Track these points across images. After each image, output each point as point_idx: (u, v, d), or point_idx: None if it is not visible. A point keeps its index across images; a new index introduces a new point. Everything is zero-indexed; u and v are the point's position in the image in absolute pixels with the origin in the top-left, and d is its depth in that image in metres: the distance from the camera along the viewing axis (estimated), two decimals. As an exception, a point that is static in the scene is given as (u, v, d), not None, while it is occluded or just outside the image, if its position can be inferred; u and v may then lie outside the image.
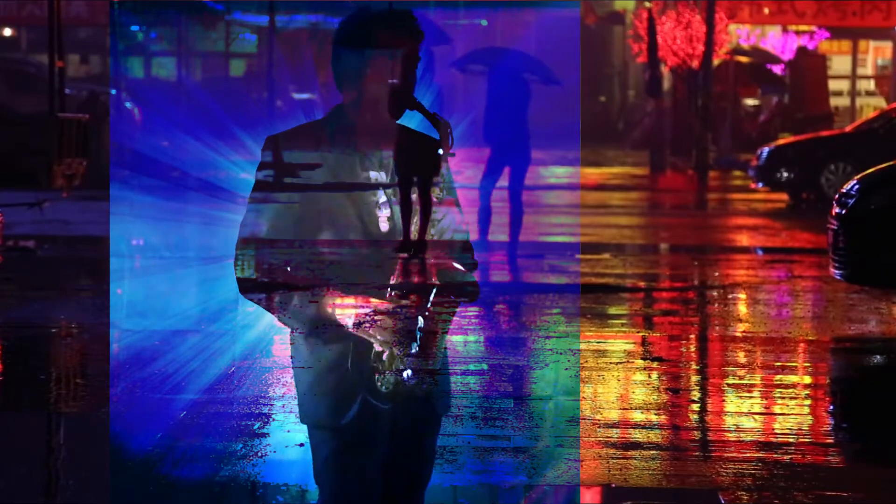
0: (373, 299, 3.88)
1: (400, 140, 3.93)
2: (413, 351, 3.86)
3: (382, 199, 3.93)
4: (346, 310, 3.89)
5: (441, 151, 3.90)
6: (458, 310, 3.98)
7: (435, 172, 3.90)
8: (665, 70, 32.24)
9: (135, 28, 34.54)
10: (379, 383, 3.91)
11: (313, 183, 3.91)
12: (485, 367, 9.11)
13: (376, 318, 3.86)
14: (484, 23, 37.45)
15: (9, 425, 7.80)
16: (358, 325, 3.86)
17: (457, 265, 3.98)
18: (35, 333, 10.34)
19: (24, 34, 38.86)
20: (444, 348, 3.98)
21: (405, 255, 3.88)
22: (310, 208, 3.92)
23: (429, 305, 3.87)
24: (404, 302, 3.87)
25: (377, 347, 3.88)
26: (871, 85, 40.66)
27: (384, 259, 3.91)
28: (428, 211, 3.88)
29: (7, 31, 39.51)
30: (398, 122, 3.97)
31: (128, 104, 27.10)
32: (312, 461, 4.05)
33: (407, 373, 3.87)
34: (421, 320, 3.87)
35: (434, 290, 3.88)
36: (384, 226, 3.94)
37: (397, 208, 3.93)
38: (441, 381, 4.00)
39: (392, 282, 3.88)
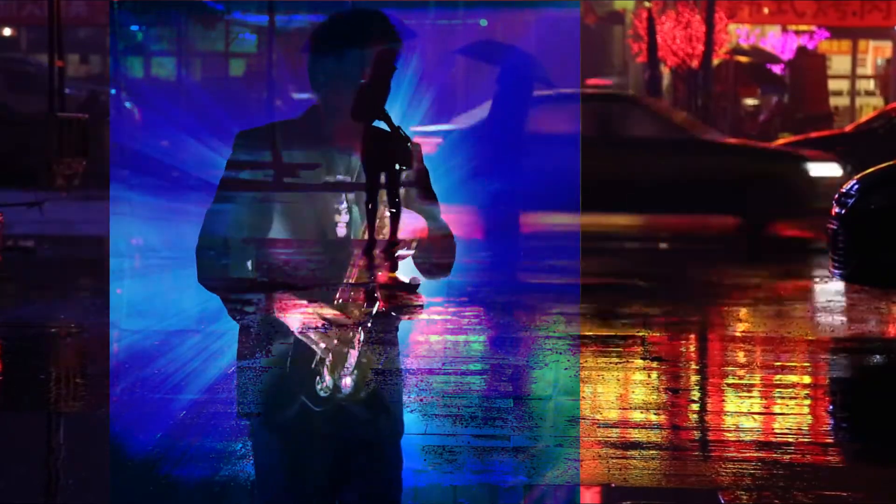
0: (325, 302, 3.83)
1: (369, 137, 3.86)
2: (351, 357, 3.82)
3: (344, 204, 3.90)
4: (297, 313, 3.85)
5: (401, 164, 3.81)
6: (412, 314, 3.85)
7: (406, 166, 3.83)
8: (665, 70, 32.23)
9: (135, 28, 34.52)
10: (319, 389, 3.86)
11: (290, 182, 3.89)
12: (485, 366, 9.11)
13: (326, 321, 3.81)
14: (484, 23, 37.42)
15: (9, 425, 7.80)
16: (306, 329, 3.82)
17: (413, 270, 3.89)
18: (35, 333, 10.34)
19: (24, 34, 38.85)
20: (395, 354, 3.92)
21: (370, 255, 3.80)
22: (276, 206, 3.90)
23: (374, 310, 3.81)
24: (357, 305, 3.82)
25: (320, 352, 3.83)
26: (871, 85, 40.63)
27: (342, 259, 3.87)
28: (399, 209, 3.81)
29: (7, 31, 39.51)
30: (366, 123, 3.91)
31: (128, 104, 27.09)
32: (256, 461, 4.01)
33: (346, 379, 3.82)
34: (364, 324, 3.82)
35: (378, 296, 3.79)
36: (342, 231, 3.90)
37: (361, 210, 3.87)
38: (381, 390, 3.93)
39: (345, 283, 3.83)
